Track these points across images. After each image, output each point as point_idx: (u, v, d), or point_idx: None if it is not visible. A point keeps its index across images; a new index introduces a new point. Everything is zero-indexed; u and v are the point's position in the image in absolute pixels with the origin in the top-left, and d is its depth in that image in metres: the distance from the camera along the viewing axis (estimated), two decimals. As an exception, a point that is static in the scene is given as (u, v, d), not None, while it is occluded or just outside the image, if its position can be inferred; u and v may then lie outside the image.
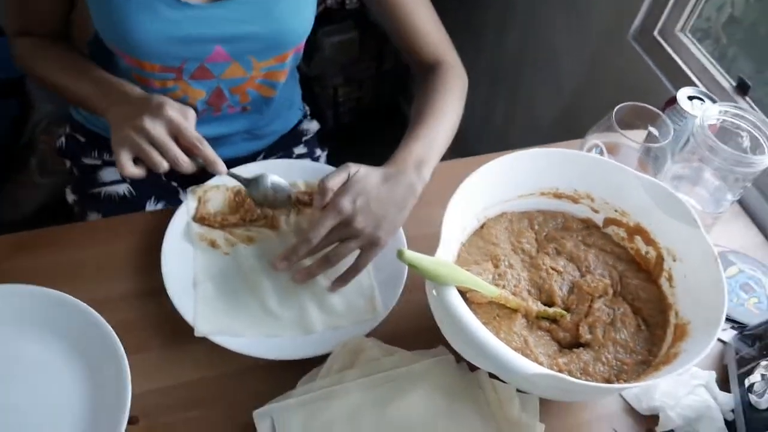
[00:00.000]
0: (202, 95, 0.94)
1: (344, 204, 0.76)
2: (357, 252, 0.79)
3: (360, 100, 2.16)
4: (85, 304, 0.75)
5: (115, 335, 0.72)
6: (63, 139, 1.12)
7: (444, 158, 0.99)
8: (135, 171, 0.75)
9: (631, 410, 0.76)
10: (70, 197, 1.09)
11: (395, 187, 0.79)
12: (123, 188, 1.05)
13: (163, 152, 0.74)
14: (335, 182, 0.78)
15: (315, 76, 2.07)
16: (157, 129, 0.73)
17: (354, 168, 0.79)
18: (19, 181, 1.87)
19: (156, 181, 1.07)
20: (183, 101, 0.93)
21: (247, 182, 0.85)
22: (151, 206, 1.05)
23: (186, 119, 0.76)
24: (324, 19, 1.94)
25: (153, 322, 0.78)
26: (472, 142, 1.95)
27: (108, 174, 1.06)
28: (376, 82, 2.13)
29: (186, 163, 0.75)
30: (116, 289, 0.80)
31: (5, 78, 1.73)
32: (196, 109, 0.96)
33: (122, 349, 0.72)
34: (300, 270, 0.78)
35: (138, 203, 1.04)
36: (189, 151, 0.76)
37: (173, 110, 0.75)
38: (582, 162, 0.80)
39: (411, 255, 0.58)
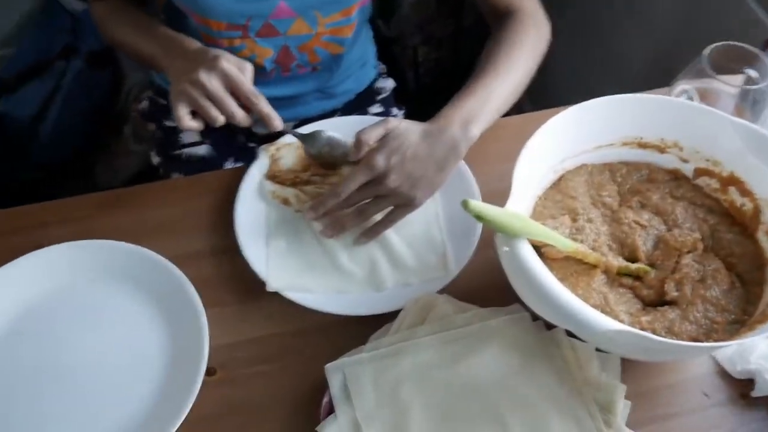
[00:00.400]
0: (270, 54, 0.94)
1: (378, 160, 0.73)
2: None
3: (439, 60, 2.10)
4: (166, 260, 0.77)
5: (194, 290, 0.75)
6: (146, 102, 1.15)
7: (523, 111, 0.94)
8: (192, 124, 0.75)
9: (723, 373, 0.71)
10: (155, 159, 1.13)
11: (436, 145, 0.75)
12: (203, 149, 1.07)
13: (219, 106, 0.74)
14: (372, 136, 0.75)
15: (394, 37, 2.04)
16: (212, 82, 0.73)
17: (394, 122, 0.76)
18: (115, 149, 1.96)
19: (234, 142, 1.08)
20: (251, 60, 0.93)
21: (303, 137, 0.84)
22: (230, 166, 1.07)
23: (243, 72, 0.75)
24: (401, -24, 1.89)
25: (229, 277, 0.79)
26: (556, 95, 1.87)
27: (188, 135, 1.09)
28: (455, 40, 2.07)
29: (242, 117, 0.75)
30: (194, 246, 0.82)
31: (99, 49, 1.81)
32: (264, 69, 0.96)
33: (201, 303, 0.74)
34: (330, 222, 0.78)
35: (218, 163, 1.07)
36: (245, 105, 0.76)
37: (228, 63, 0.74)
38: (668, 108, 0.74)
39: (476, 205, 0.56)
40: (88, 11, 0.95)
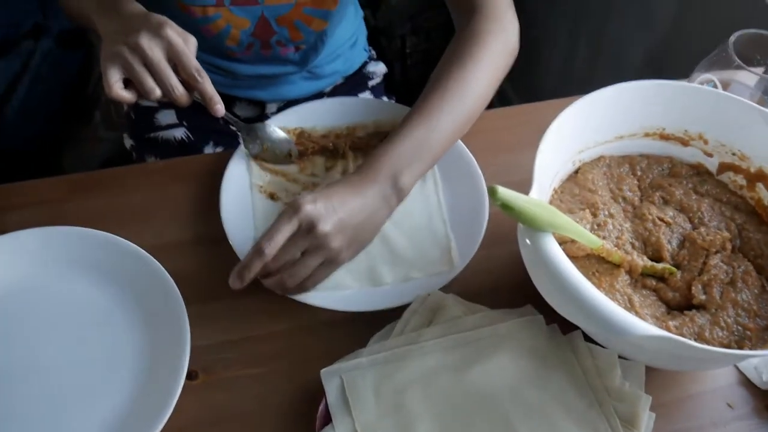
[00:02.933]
0: (247, 25, 0.87)
1: (302, 201, 0.62)
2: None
3: (428, 52, 2.05)
4: (142, 250, 0.70)
5: (174, 284, 0.68)
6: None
7: (510, 104, 0.89)
8: (124, 95, 0.67)
9: (747, 383, 0.66)
10: (128, 143, 1.06)
11: (366, 199, 0.66)
12: (180, 132, 1.00)
13: (158, 78, 0.66)
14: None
15: (382, 27, 1.98)
16: (154, 50, 0.64)
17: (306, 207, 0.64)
18: (84, 135, 1.87)
19: (214, 125, 1.01)
20: (227, 32, 0.87)
21: (242, 129, 0.77)
22: (209, 151, 1.00)
23: (189, 45, 0.67)
24: (389, -34, 1.84)
25: (214, 271, 0.72)
26: (544, 89, 1.83)
27: (165, 117, 1.01)
28: (444, 31, 2.02)
29: (181, 94, 0.67)
30: (174, 235, 0.75)
31: (71, 29, 1.71)
32: (241, 43, 0.89)
33: (181, 298, 0.67)
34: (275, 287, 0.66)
35: (196, 148, 1.00)
36: (186, 82, 0.68)
37: (174, 32, 0.66)
38: (695, 96, 0.69)
39: (506, 193, 0.49)
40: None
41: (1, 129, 1.62)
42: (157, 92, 0.66)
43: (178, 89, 0.67)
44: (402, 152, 0.68)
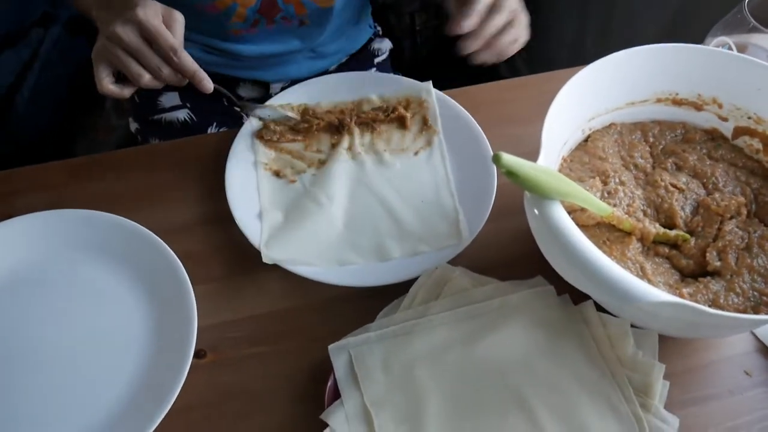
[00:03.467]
0: (252, 2, 0.86)
1: None
2: None
3: (438, 28, 2.02)
4: (148, 231, 0.70)
5: (180, 264, 0.67)
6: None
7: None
8: (112, 88, 0.67)
9: (765, 350, 0.65)
10: (133, 126, 1.05)
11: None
12: (184, 114, 0.99)
13: (141, 61, 0.64)
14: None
15: (390, 4, 1.95)
16: (129, 35, 0.63)
17: None
18: (96, 124, 1.87)
19: (217, 106, 1.01)
20: (233, 9, 0.86)
21: (241, 106, 0.77)
22: (212, 131, 0.99)
23: (172, 23, 0.65)
24: (398, -62, 1.81)
25: (219, 250, 0.72)
26: (554, 61, 1.79)
27: (168, 99, 1.01)
28: (454, 7, 1.99)
29: (168, 74, 0.66)
30: (179, 216, 0.75)
31: (79, 16, 1.71)
32: (247, 19, 0.88)
33: (188, 278, 0.66)
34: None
35: (199, 129, 0.99)
36: (167, 61, 0.66)
37: (144, 11, 0.64)
38: (709, 59, 0.67)
39: (510, 159, 0.48)
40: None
41: (12, 119, 1.62)
42: (146, 76, 0.66)
43: (164, 68, 0.66)
44: None
